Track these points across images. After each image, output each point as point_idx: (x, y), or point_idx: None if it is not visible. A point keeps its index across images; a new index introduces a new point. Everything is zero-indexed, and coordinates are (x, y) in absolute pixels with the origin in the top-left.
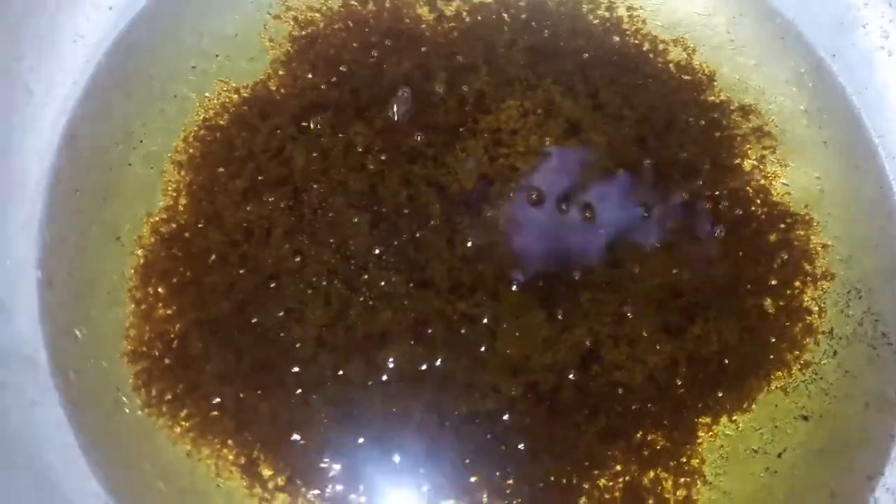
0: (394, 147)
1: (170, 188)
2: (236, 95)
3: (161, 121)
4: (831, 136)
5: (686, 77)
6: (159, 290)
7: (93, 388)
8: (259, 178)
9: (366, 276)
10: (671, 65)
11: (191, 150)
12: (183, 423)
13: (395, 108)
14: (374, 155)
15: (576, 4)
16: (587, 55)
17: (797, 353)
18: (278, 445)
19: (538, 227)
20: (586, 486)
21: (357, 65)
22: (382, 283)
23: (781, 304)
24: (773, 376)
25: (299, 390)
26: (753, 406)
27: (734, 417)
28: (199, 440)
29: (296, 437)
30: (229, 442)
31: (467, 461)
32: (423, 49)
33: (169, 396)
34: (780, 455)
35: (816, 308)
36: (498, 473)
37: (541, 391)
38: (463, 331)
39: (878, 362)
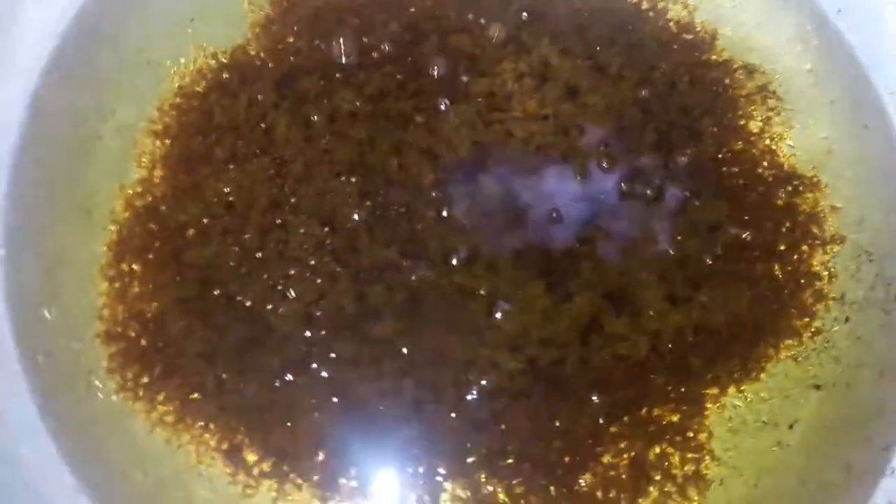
0: (383, 113)
1: (144, 160)
2: (214, 61)
3: (133, 90)
4: (838, 95)
5: (687, 36)
6: (134, 267)
7: (63, 373)
8: (239, 147)
9: (355, 249)
10: (671, 23)
11: (166, 120)
12: (161, 407)
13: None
14: (361, 122)
15: None
16: (585, 14)
17: (807, 319)
18: (263, 429)
19: (537, 194)
20: (590, 464)
21: (341, 27)
22: (373, 257)
23: (790, 269)
24: (782, 345)
25: (285, 371)
26: (762, 376)
27: (742, 388)
28: (179, 425)
29: (282, 419)
30: (211, 426)
31: (464, 441)
32: (411, 10)
33: (146, 379)
34: (791, 427)
35: (826, 273)
36: (497, 453)
37: (541, 366)
38: (459, 305)
39: (892, 328)
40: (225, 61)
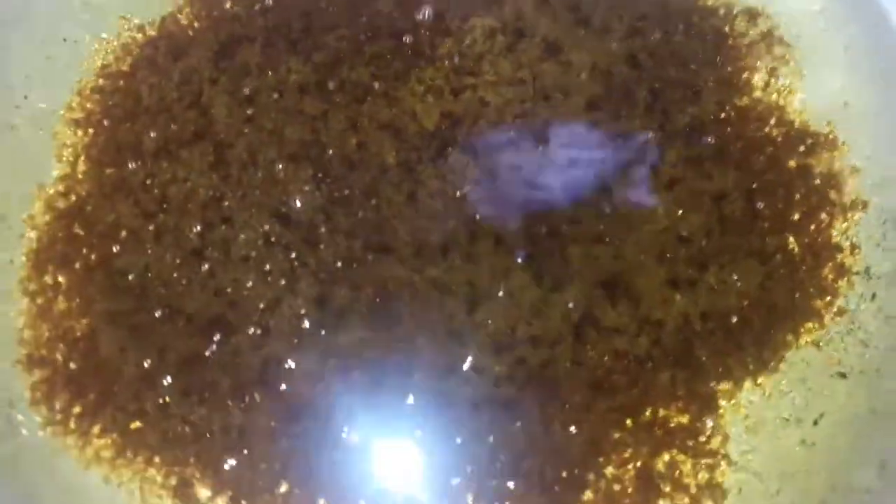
0: (336, 84)
1: (65, 153)
2: (140, 34)
3: (49, 71)
4: (852, 38)
5: None
6: (59, 278)
7: None
8: (173, 132)
9: (311, 244)
10: None
11: (88, 105)
12: (97, 440)
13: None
14: (312, 95)
15: None
16: None
17: (829, 298)
18: (216, 459)
19: (515, 171)
20: (591, 478)
21: None
22: (332, 252)
23: (806, 241)
24: (802, 329)
25: (238, 391)
26: (781, 366)
27: (759, 381)
28: (118, 460)
29: (237, 446)
30: (155, 459)
31: (448, 460)
32: None
33: (77, 409)
34: (816, 422)
35: (848, 244)
36: (485, 472)
37: (530, 368)
38: (435, 303)
39: None
40: (153, 34)
